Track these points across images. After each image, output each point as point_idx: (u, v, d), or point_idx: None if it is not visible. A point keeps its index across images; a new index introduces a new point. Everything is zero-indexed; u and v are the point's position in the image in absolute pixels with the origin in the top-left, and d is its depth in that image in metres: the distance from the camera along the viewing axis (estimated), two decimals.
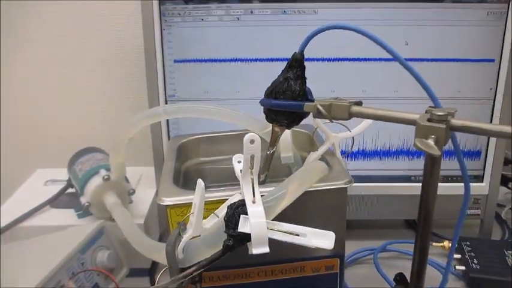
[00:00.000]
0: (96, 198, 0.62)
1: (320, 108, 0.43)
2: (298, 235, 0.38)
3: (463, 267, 0.64)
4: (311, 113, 0.45)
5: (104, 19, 0.86)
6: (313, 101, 0.46)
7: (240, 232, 0.37)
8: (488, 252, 0.67)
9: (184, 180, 0.59)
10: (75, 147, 0.73)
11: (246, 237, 0.37)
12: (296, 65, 0.46)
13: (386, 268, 0.66)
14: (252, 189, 0.38)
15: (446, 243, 0.70)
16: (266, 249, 0.37)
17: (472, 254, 0.66)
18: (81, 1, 0.85)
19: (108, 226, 0.60)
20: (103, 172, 0.62)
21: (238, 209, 0.38)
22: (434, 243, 0.70)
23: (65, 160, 0.72)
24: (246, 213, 0.38)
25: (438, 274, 0.65)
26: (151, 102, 0.69)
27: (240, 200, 0.39)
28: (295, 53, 0.46)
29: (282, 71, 0.47)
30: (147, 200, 0.70)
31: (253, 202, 0.38)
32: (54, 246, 0.56)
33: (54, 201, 0.69)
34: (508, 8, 0.64)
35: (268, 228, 0.37)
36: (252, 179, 0.39)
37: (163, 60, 0.68)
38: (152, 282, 0.66)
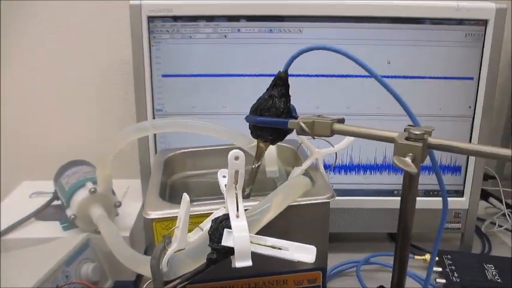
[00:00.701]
0: (82, 211, 0.62)
1: (303, 125, 0.44)
2: (280, 249, 0.39)
3: (444, 281, 0.66)
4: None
5: (93, 34, 0.88)
6: (297, 118, 0.48)
7: (224, 246, 0.38)
8: (468, 265, 0.68)
9: (171, 194, 0.60)
10: (62, 159, 0.73)
11: (230, 250, 0.38)
12: (280, 83, 0.48)
13: (369, 280, 0.67)
14: (236, 204, 0.39)
15: (428, 256, 0.71)
16: (249, 263, 0.38)
17: (453, 267, 0.68)
18: (71, 17, 0.86)
19: (93, 239, 0.61)
20: (89, 185, 0.63)
21: (222, 223, 0.39)
22: (416, 256, 0.71)
23: (50, 172, 0.72)
24: (230, 227, 0.39)
25: (419, 287, 0.66)
26: (139, 116, 0.70)
27: (224, 214, 0.40)
28: (279, 71, 0.48)
29: (267, 88, 0.49)
30: (133, 212, 0.71)
31: (237, 216, 0.39)
32: (39, 258, 0.56)
33: (40, 214, 0.69)
34: (485, 30, 0.67)
35: (251, 242, 0.38)
36: (236, 194, 0.40)
37: (151, 75, 0.69)
38: None
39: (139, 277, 0.67)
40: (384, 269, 0.71)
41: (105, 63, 0.89)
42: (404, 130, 0.41)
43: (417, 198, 0.74)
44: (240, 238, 0.38)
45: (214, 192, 0.56)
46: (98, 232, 0.59)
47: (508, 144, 0.91)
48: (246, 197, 0.54)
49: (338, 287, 0.67)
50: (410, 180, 0.40)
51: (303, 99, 0.69)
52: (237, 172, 0.39)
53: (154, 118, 0.71)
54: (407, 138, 0.39)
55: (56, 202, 0.71)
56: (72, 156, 0.74)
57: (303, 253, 0.38)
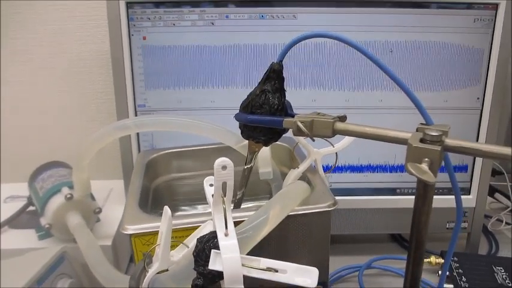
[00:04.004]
0: (58, 219, 0.56)
1: (300, 125, 0.39)
2: (277, 271, 0.33)
3: (451, 286, 0.61)
4: None
5: (67, 26, 0.81)
6: (293, 115, 0.42)
7: (211, 269, 0.33)
8: (476, 268, 0.64)
9: (154, 199, 0.55)
10: (38, 160, 0.67)
11: (218, 275, 0.33)
12: (274, 76, 0.42)
13: (372, 286, 0.63)
14: (224, 220, 0.34)
15: (433, 259, 0.67)
16: None
17: (460, 270, 0.64)
18: (44, 8, 0.79)
19: (71, 249, 0.55)
20: (65, 190, 0.57)
21: (208, 243, 0.34)
22: None
23: (25, 174, 0.66)
24: (218, 248, 0.33)
25: None
26: (119, 112, 0.64)
27: (211, 232, 0.35)
28: (273, 63, 0.42)
29: (259, 82, 0.43)
30: (116, 217, 0.65)
31: (226, 235, 0.33)
32: (9, 274, 0.50)
33: (13, 221, 0.63)
34: (496, 15, 0.61)
35: (243, 264, 0.33)
36: (225, 209, 0.34)
37: (132, 68, 0.63)
38: None
39: None
40: (386, 273, 0.66)
41: (83, 55, 0.82)
42: (417, 130, 0.36)
43: None
44: (230, 260, 0.33)
45: (202, 197, 0.51)
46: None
47: None
48: (237, 202, 0.48)
49: None
50: (425, 190, 0.35)
51: (299, 92, 0.64)
52: (224, 184, 0.33)
53: (136, 115, 0.65)
54: (422, 140, 0.34)
55: (31, 207, 0.65)
56: (49, 157, 0.69)
57: (303, 277, 0.33)
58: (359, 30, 0.62)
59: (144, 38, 0.62)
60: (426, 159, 0.33)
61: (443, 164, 0.41)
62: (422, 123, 0.38)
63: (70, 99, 0.85)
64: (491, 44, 0.63)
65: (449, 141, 0.35)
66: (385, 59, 0.64)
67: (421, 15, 0.62)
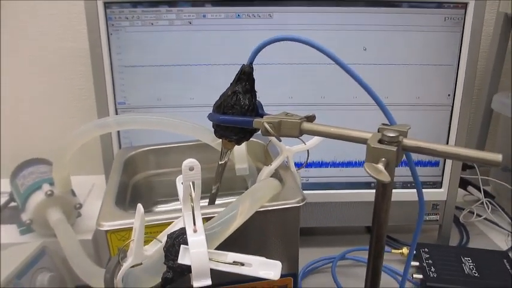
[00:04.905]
0: (39, 215, 0.58)
1: (267, 127, 0.40)
2: (243, 265, 0.35)
3: (421, 276, 0.64)
4: None
5: (50, 23, 0.81)
6: (264, 116, 0.44)
7: (180, 264, 0.35)
8: (445, 259, 0.67)
9: (133, 195, 0.56)
10: (18, 157, 0.68)
11: (187, 269, 0.35)
12: (244, 77, 0.44)
13: (344, 277, 0.65)
14: (192, 218, 0.36)
15: (405, 250, 0.69)
16: (208, 282, 0.35)
17: (430, 261, 0.66)
18: (26, 4, 0.79)
19: (52, 244, 0.57)
20: (46, 187, 0.58)
21: (178, 239, 0.35)
22: (393, 250, 0.70)
23: (7, 170, 0.67)
24: (187, 243, 0.35)
25: (396, 284, 0.65)
26: (100, 110, 0.65)
27: (180, 229, 0.36)
28: (243, 65, 0.43)
29: (231, 83, 0.45)
30: (97, 212, 0.66)
31: (195, 231, 0.35)
32: None
33: None
34: (465, 13, 0.63)
35: (210, 259, 0.35)
36: (193, 207, 0.36)
37: (111, 66, 0.64)
38: None
39: None
40: (359, 264, 0.69)
41: (64, 52, 0.83)
42: (378, 130, 0.38)
43: (395, 191, 0.72)
44: (198, 255, 0.35)
45: None
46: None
47: (486, 134, 0.89)
48: (211, 197, 0.50)
49: (313, 284, 0.65)
50: (384, 188, 0.37)
51: (276, 88, 0.66)
52: (192, 183, 0.35)
53: (116, 111, 0.66)
54: (380, 141, 0.36)
55: (13, 203, 0.66)
56: (31, 154, 0.69)
57: (267, 270, 0.35)
58: (333, 29, 0.64)
59: (122, 38, 0.63)
60: (383, 159, 0.35)
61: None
62: (384, 124, 0.40)
63: (51, 96, 0.86)
64: (461, 42, 0.65)
65: (407, 141, 0.37)
66: (359, 57, 0.65)
67: (393, 14, 0.64)
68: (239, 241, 0.39)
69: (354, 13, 0.63)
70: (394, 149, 0.35)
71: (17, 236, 0.61)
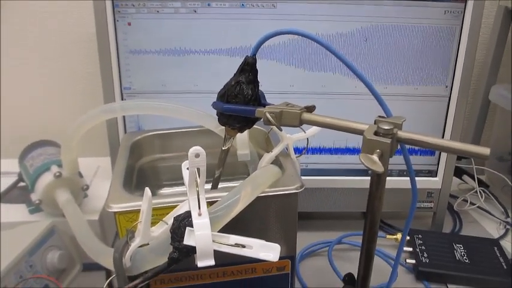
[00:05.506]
0: (48, 196, 0.60)
1: (269, 117, 0.42)
2: (244, 247, 0.38)
3: (413, 261, 0.67)
4: None
5: (58, 9, 0.82)
6: (266, 105, 0.46)
7: (186, 245, 0.37)
8: (438, 245, 0.69)
9: (139, 179, 0.58)
10: (28, 138, 0.70)
11: (192, 249, 0.37)
12: (248, 68, 0.45)
13: (340, 260, 0.68)
14: (197, 202, 0.38)
15: (399, 236, 0.72)
16: (211, 262, 0.37)
17: (423, 247, 0.69)
18: None
19: (60, 223, 0.59)
20: (54, 168, 0.60)
21: (184, 221, 0.38)
22: (387, 236, 0.72)
23: (16, 151, 0.69)
24: (192, 226, 0.37)
25: (390, 268, 0.67)
26: (106, 94, 0.67)
27: (186, 212, 0.39)
28: (247, 56, 0.45)
29: (234, 74, 0.46)
30: (103, 193, 0.67)
31: (200, 214, 0.38)
32: (2, 246, 0.54)
33: (5, 196, 0.67)
34: (465, 7, 0.65)
35: (213, 240, 0.37)
36: (198, 191, 0.38)
37: (117, 52, 0.65)
38: (108, 276, 0.65)
39: None
40: (355, 248, 0.71)
41: (72, 37, 0.84)
42: (375, 122, 0.40)
43: (391, 178, 0.74)
44: (202, 237, 0.37)
45: None
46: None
47: (483, 125, 0.91)
48: (214, 181, 0.52)
49: (310, 267, 0.67)
50: (378, 177, 0.39)
51: (278, 77, 0.68)
52: (198, 170, 0.37)
53: (122, 97, 0.68)
54: (375, 133, 0.38)
55: (22, 183, 0.68)
56: (39, 136, 0.71)
57: (267, 252, 0.37)
58: (335, 20, 0.65)
59: (129, 24, 0.64)
60: (378, 150, 0.37)
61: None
62: (380, 116, 0.42)
63: (59, 80, 0.88)
64: (460, 35, 0.66)
65: (401, 133, 0.39)
66: (360, 48, 0.67)
67: (395, 6, 0.65)
68: (241, 224, 0.41)
69: (355, 4, 0.65)
70: (389, 141, 0.37)
71: (26, 215, 0.63)
